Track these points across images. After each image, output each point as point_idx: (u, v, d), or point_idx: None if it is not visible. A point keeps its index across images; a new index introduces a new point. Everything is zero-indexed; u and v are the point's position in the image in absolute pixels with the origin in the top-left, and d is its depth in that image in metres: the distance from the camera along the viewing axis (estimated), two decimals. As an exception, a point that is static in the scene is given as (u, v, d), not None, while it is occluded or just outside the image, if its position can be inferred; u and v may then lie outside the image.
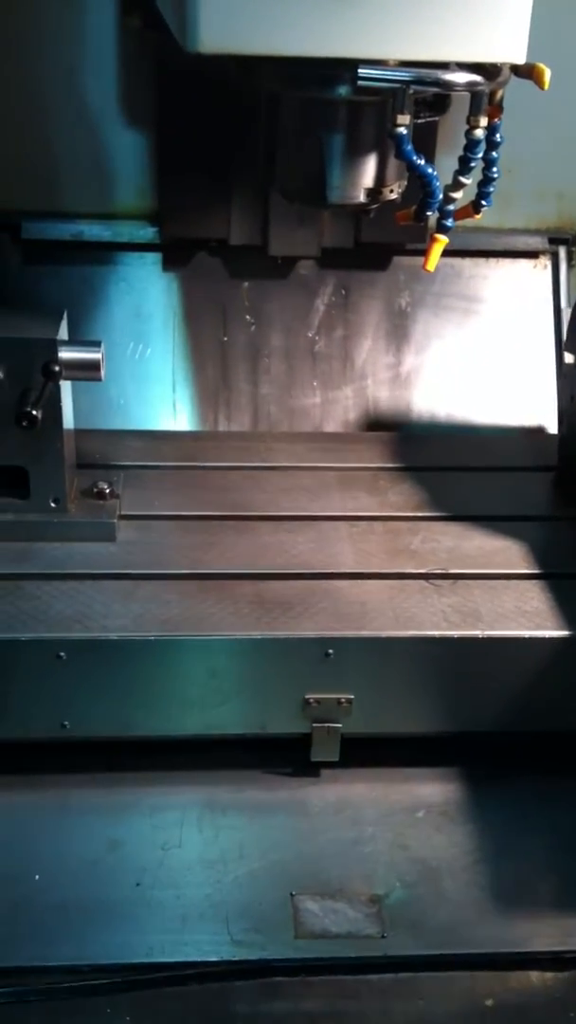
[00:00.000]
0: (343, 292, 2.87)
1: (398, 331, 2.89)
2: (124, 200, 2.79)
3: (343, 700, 2.08)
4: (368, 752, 2.18)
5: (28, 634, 2.02)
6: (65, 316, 2.24)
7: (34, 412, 2.12)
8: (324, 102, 2.10)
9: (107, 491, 2.32)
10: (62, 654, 2.02)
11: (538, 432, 2.87)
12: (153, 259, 2.83)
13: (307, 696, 2.08)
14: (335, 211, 2.66)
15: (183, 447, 2.64)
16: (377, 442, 2.72)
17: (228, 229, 2.75)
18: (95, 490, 2.32)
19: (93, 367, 2.17)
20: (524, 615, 2.14)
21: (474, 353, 2.91)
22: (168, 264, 2.82)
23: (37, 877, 1.98)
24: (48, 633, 2.03)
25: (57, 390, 2.16)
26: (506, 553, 2.32)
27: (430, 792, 2.17)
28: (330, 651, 2.06)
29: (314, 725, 2.10)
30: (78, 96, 2.67)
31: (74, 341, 2.22)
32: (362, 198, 2.19)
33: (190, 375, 2.82)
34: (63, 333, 2.21)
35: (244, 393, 2.84)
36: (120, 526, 2.30)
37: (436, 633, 2.08)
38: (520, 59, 1.88)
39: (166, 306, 2.83)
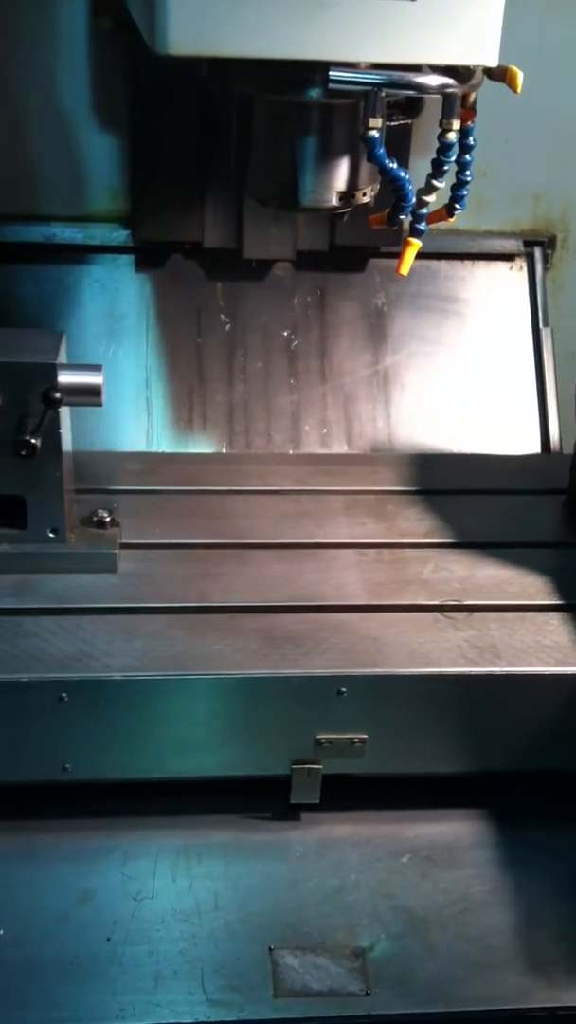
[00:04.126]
0: (319, 293, 2.86)
1: (375, 331, 2.88)
2: (97, 203, 2.76)
3: (356, 740, 2.01)
4: (349, 794, 2.09)
5: (28, 675, 1.93)
6: (64, 339, 2.15)
7: (33, 440, 2.04)
8: (296, 105, 2.07)
9: (107, 519, 2.23)
10: (64, 695, 1.93)
11: (515, 429, 2.86)
12: (126, 261, 2.80)
13: (319, 736, 2.01)
14: (308, 214, 2.64)
15: (182, 471, 2.56)
16: (382, 464, 2.64)
17: (202, 231, 2.72)
18: (95, 519, 2.23)
19: (94, 392, 2.07)
20: (544, 650, 2.06)
21: (452, 354, 2.90)
22: (141, 266, 2.79)
23: (2, 932, 1.89)
24: (49, 674, 1.94)
25: (56, 416, 2.07)
26: (521, 582, 2.24)
27: (414, 835, 2.09)
28: (343, 689, 1.98)
29: (293, 767, 2.02)
30: (50, 98, 2.64)
31: (73, 365, 2.11)
32: (335, 201, 2.17)
33: (164, 373, 2.79)
34: (62, 356, 2.11)
35: (219, 391, 2.80)
36: (121, 556, 2.21)
37: (454, 671, 2.01)
38: (492, 62, 1.85)
39: (139, 307, 2.80)
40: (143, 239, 2.76)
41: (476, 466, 2.70)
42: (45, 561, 2.17)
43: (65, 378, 2.06)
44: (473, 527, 2.41)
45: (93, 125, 2.69)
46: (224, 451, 2.78)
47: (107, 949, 1.87)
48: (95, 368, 2.10)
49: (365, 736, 2.02)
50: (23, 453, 2.05)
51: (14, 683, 1.93)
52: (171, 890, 1.97)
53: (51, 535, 2.18)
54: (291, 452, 2.80)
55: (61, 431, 2.09)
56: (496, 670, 2.02)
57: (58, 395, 2.03)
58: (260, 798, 2.09)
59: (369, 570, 2.26)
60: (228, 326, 2.83)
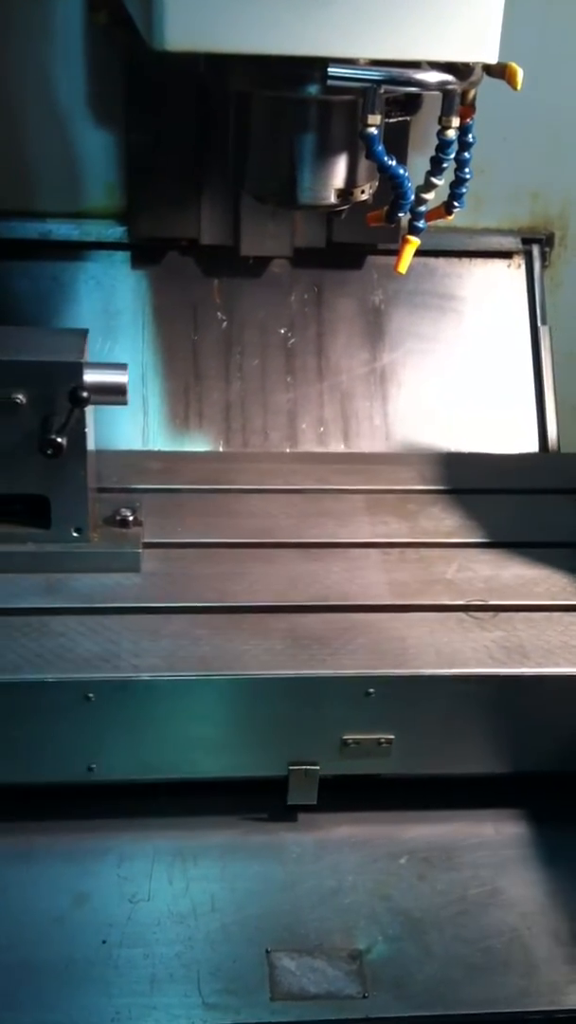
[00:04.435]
0: (316, 290, 2.85)
1: (372, 328, 2.87)
2: (93, 199, 2.76)
3: (383, 740, 2.01)
4: (346, 795, 2.08)
5: (55, 675, 1.93)
6: (88, 337, 2.14)
7: (59, 439, 2.03)
8: (294, 101, 2.04)
9: (130, 519, 2.22)
10: (91, 695, 1.93)
11: (513, 427, 2.86)
12: (122, 258, 2.79)
13: (345, 736, 2.00)
14: (306, 211, 2.63)
15: (202, 469, 2.57)
16: (403, 463, 2.65)
17: (198, 228, 2.71)
18: (117, 518, 2.22)
19: (119, 391, 2.08)
20: (571, 650, 2.06)
21: (449, 352, 2.89)
22: (137, 263, 2.78)
23: (-3, 934, 1.89)
24: (76, 674, 1.93)
25: (82, 415, 2.06)
26: (546, 583, 2.24)
27: (412, 837, 2.07)
28: (371, 690, 1.97)
29: (291, 768, 2.00)
30: (46, 94, 2.63)
31: (98, 364, 2.10)
32: (333, 199, 2.14)
33: (160, 370, 2.78)
34: (87, 355, 2.10)
35: (215, 388, 2.79)
36: (144, 555, 2.21)
37: (482, 671, 2.01)
38: (492, 59, 1.83)
39: (135, 304, 2.79)
40: (139, 236, 2.74)
41: (495, 465, 2.71)
42: (69, 561, 2.17)
43: (91, 377, 2.05)
44: (495, 526, 2.41)
45: (89, 121, 2.68)
46: (220, 449, 2.77)
47: (102, 952, 1.86)
48: (120, 367, 2.10)
49: (392, 737, 2.01)
50: (49, 452, 2.04)
51: (40, 683, 1.92)
52: (167, 892, 1.96)
53: (75, 535, 2.17)
54: (288, 450, 2.79)
55: (86, 430, 2.08)
56: (525, 671, 2.02)
57: (85, 394, 2.02)
58: (257, 799, 2.08)
59: (393, 569, 2.26)
60: (225, 323, 2.82)
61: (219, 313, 2.82)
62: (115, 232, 2.76)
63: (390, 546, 2.34)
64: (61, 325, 2.73)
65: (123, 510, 2.23)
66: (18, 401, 2.04)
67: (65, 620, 2.06)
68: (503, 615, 2.15)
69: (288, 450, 2.79)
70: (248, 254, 2.76)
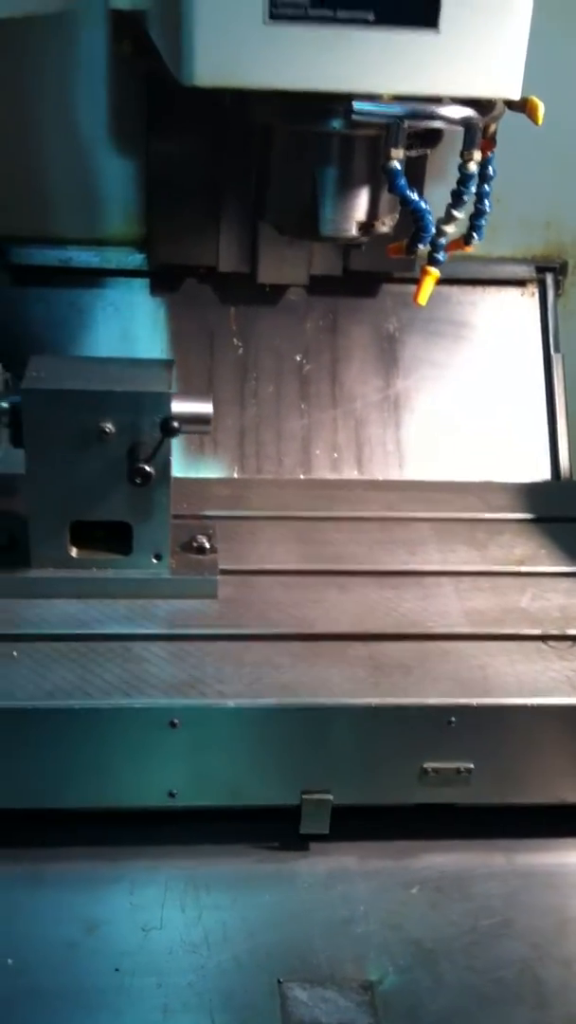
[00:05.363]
0: (331, 317, 2.86)
1: (386, 356, 2.88)
2: (113, 226, 2.77)
3: (462, 769, 2.02)
4: (358, 824, 2.08)
5: (142, 700, 1.94)
6: (175, 367, 2.17)
7: (148, 468, 2.07)
8: (317, 135, 2.06)
9: (206, 545, 2.24)
10: (176, 721, 1.94)
11: (525, 455, 2.86)
12: (141, 284, 2.79)
13: (425, 765, 2.01)
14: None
15: (270, 495, 2.60)
16: (468, 491, 2.67)
17: (216, 256, 2.72)
18: (194, 544, 2.24)
19: (204, 421, 2.11)
20: None
21: (463, 379, 2.90)
22: (156, 290, 2.79)
23: (10, 961, 1.88)
24: (163, 700, 1.95)
25: (169, 444, 2.09)
26: None
27: (424, 866, 2.08)
28: (452, 719, 1.98)
29: (304, 796, 2.01)
30: (68, 122, 2.64)
31: (184, 394, 2.13)
32: (354, 231, 2.16)
33: (176, 396, 2.80)
34: (174, 385, 2.13)
35: (230, 414, 2.80)
36: (219, 582, 2.23)
37: (564, 701, 2.02)
38: (515, 95, 1.84)
39: (153, 330, 2.80)
40: (158, 263, 2.75)
41: (560, 493, 2.75)
42: (148, 587, 2.19)
43: (179, 407, 2.08)
44: (565, 554, 2.43)
45: (110, 149, 2.69)
46: (235, 475, 2.78)
47: (115, 980, 1.86)
48: (204, 397, 2.14)
49: (471, 766, 2.02)
50: (138, 481, 2.07)
51: (128, 708, 1.94)
52: (180, 920, 1.96)
53: (155, 561, 2.19)
54: (302, 477, 2.79)
55: (170, 458, 2.12)
56: None
57: (176, 424, 2.05)
58: (269, 828, 2.08)
59: (467, 598, 2.28)
60: (241, 349, 2.83)
61: (235, 339, 2.83)
62: (134, 259, 2.77)
63: (462, 574, 2.35)
64: (79, 351, 2.74)
65: (199, 536, 2.25)
66: (107, 430, 2.06)
67: (147, 646, 2.08)
68: None
69: (302, 476, 2.79)
70: (265, 282, 2.77)
